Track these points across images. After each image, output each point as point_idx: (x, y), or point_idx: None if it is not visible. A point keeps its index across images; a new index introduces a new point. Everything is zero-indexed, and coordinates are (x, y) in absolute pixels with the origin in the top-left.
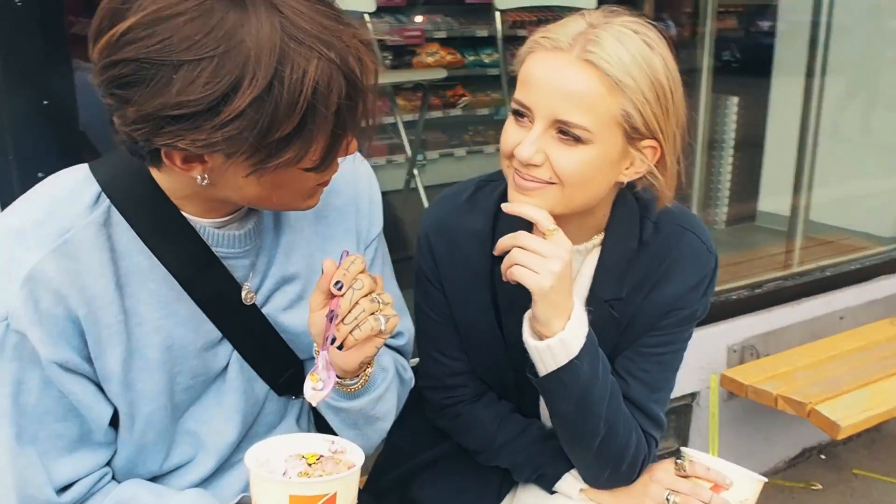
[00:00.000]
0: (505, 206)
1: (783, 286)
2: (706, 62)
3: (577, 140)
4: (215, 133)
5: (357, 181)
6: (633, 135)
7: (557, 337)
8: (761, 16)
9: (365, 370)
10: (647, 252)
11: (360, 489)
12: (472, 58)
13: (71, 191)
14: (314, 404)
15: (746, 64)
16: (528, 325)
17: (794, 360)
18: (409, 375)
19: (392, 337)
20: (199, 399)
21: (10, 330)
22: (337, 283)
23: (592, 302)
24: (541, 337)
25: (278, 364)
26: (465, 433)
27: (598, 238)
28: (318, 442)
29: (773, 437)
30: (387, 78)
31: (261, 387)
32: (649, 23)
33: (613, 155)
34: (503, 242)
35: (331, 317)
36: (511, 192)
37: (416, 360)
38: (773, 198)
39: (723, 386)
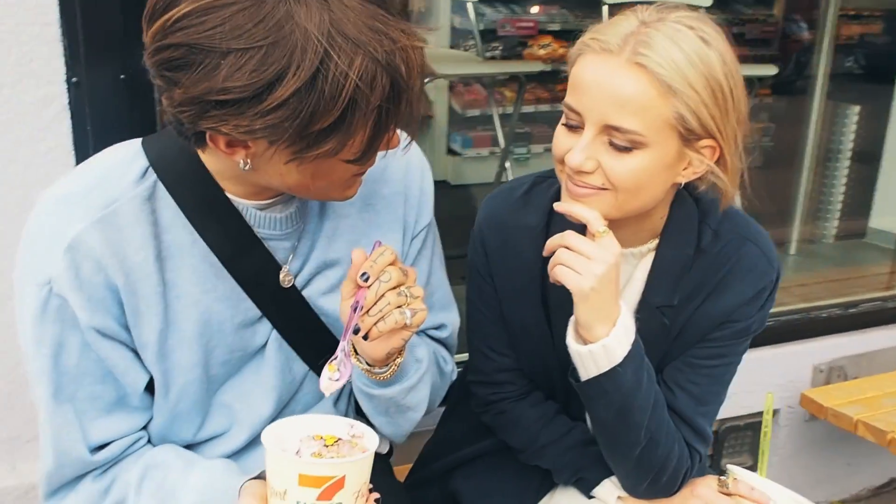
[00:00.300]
0: (556, 206)
1: (883, 307)
2: (822, 68)
3: (630, 146)
4: (257, 120)
5: (408, 171)
6: (689, 137)
7: (601, 343)
8: (890, 21)
9: (394, 360)
10: (704, 259)
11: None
12: None
13: (120, 164)
14: (327, 395)
15: (871, 71)
16: (573, 327)
17: (883, 386)
18: (450, 368)
19: (435, 329)
20: (237, 374)
21: (52, 294)
22: (363, 274)
23: (643, 308)
24: (585, 341)
25: (318, 346)
26: (509, 431)
27: (654, 242)
28: (338, 425)
29: (856, 464)
30: (483, 69)
31: (300, 367)
32: (706, 17)
33: (668, 158)
34: (551, 242)
35: (355, 307)
36: (564, 198)
37: (466, 354)
38: (886, 215)
39: (803, 406)
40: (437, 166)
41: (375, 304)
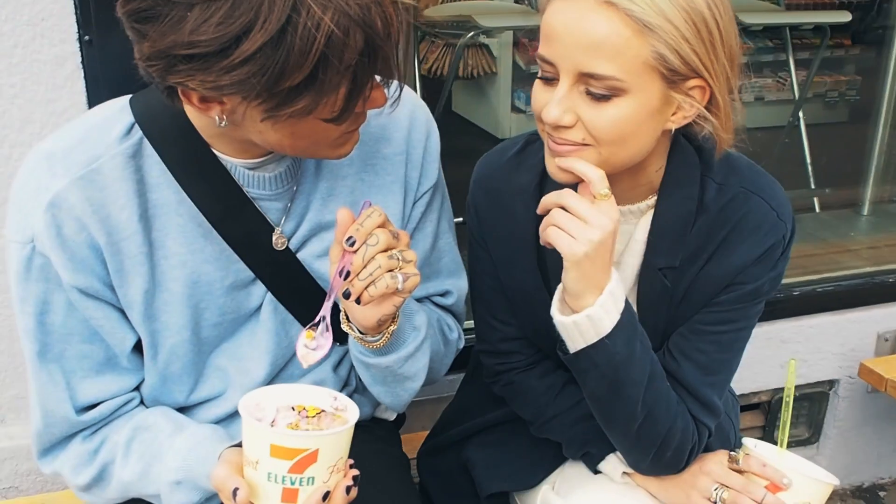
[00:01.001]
0: (558, 162)
1: None
2: None
3: (609, 94)
4: (224, 76)
5: (412, 130)
6: (673, 78)
7: (585, 313)
8: None
9: (387, 327)
10: (708, 216)
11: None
12: None
13: (105, 120)
14: (304, 365)
15: None
16: (559, 296)
17: None
18: (456, 335)
19: (440, 295)
20: (232, 336)
21: (35, 252)
22: (349, 238)
23: (645, 270)
24: (572, 311)
25: (316, 310)
26: (518, 402)
27: (653, 198)
28: (321, 396)
29: None
30: (783, 18)
31: (297, 330)
32: None
33: (653, 103)
34: (547, 200)
35: (342, 272)
36: (546, 159)
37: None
38: None
39: (861, 377)
40: (502, 123)
41: (365, 267)
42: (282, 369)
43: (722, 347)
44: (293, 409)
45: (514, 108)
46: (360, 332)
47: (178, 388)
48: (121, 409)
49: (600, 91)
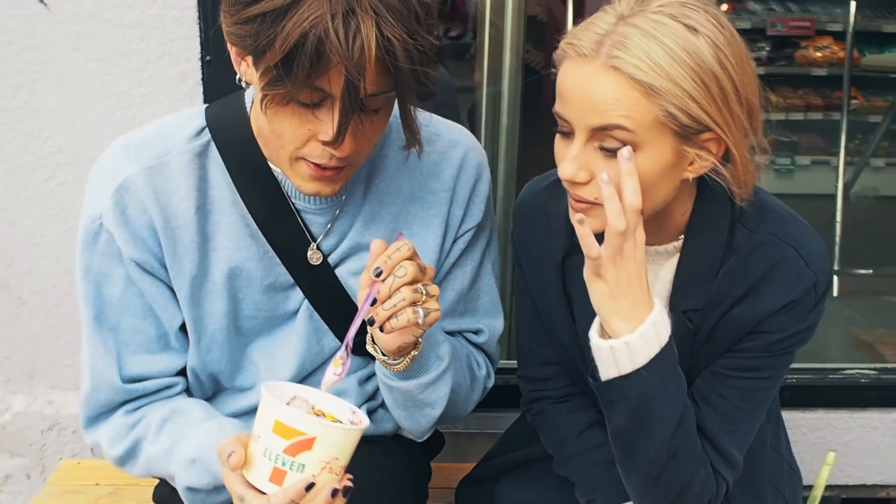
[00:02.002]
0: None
1: None
2: None
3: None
4: (233, 25)
5: (462, 171)
6: (685, 133)
7: (624, 339)
8: None
9: (408, 353)
10: (736, 260)
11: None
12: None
13: (180, 121)
14: (324, 389)
15: None
16: (598, 320)
17: None
18: (484, 373)
19: (473, 332)
20: (268, 334)
21: (102, 228)
22: (376, 268)
23: (671, 313)
24: (609, 337)
25: (349, 323)
26: (545, 434)
27: (681, 241)
28: (342, 408)
29: None
30: None
31: (330, 340)
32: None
33: (666, 158)
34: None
35: (368, 299)
36: (570, 212)
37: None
38: None
39: None
40: None
41: (390, 297)
42: (308, 375)
43: (743, 395)
44: (312, 408)
45: None
46: (383, 355)
47: (215, 374)
48: (164, 392)
49: (613, 146)
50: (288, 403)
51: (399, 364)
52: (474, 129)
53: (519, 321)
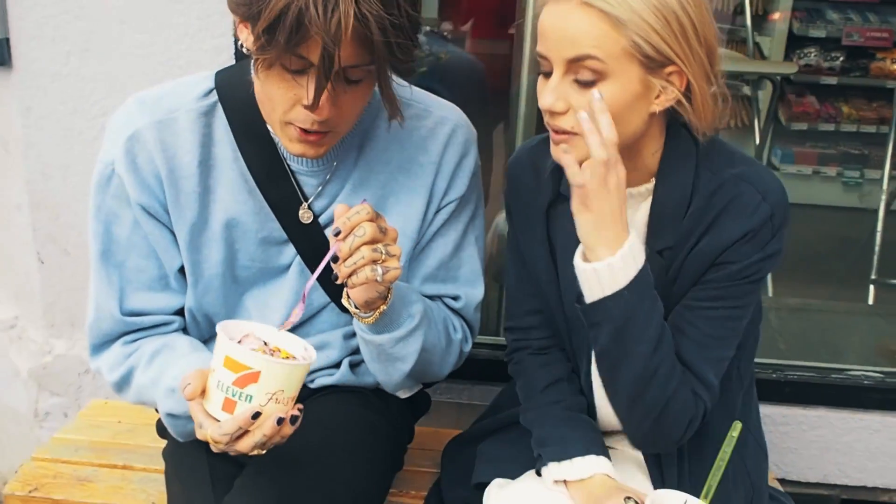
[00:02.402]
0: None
1: None
2: None
3: (594, 79)
4: None
5: (449, 146)
6: (650, 64)
7: (606, 261)
8: None
9: (378, 308)
10: (700, 200)
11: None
12: None
13: (191, 82)
14: (280, 330)
15: None
16: (581, 249)
17: None
18: (460, 336)
19: (452, 299)
20: (262, 285)
21: (114, 173)
22: (335, 228)
23: (647, 253)
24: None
25: (340, 284)
26: (519, 384)
27: (652, 183)
28: (296, 345)
29: None
30: (727, 65)
31: (319, 296)
32: None
33: (634, 86)
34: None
35: (330, 257)
36: (551, 147)
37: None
38: None
39: None
40: None
41: (350, 256)
42: (295, 327)
43: (713, 324)
44: (265, 344)
45: (769, 165)
46: (356, 308)
47: (210, 317)
48: (160, 328)
49: (587, 77)
50: (240, 341)
51: (370, 317)
52: (512, 115)
53: (508, 274)
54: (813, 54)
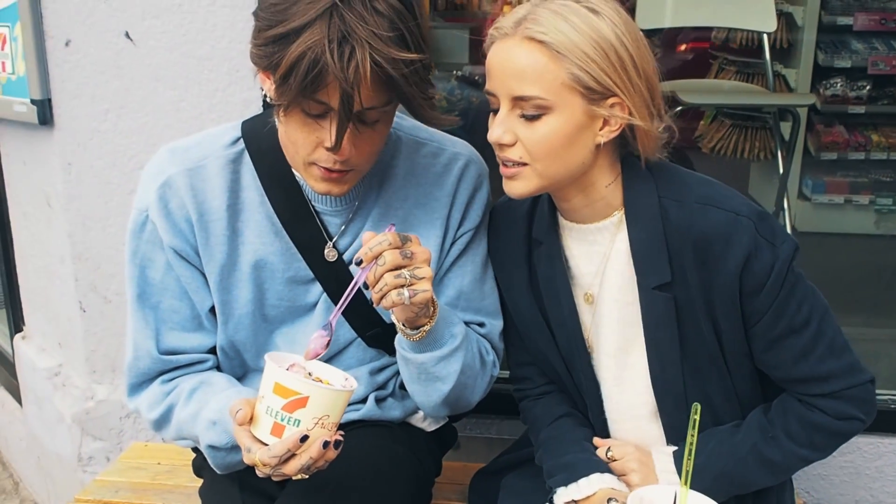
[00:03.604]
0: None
1: None
2: None
3: (539, 113)
4: (255, 48)
5: (463, 180)
6: (591, 95)
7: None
8: None
9: (423, 327)
10: (675, 234)
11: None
12: None
13: (220, 132)
14: (306, 359)
15: None
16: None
17: None
18: (491, 358)
19: (477, 325)
20: (291, 323)
21: (148, 219)
22: (357, 257)
23: (642, 293)
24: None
25: (364, 317)
26: (528, 427)
27: (619, 213)
28: (336, 376)
29: None
30: (746, 99)
31: (346, 332)
32: None
33: (577, 118)
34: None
35: (354, 288)
36: (503, 183)
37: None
38: None
39: None
40: (787, 209)
41: (377, 283)
42: (327, 361)
43: (799, 333)
44: (310, 375)
45: (801, 195)
46: (403, 326)
47: (242, 354)
48: (196, 366)
49: (531, 112)
50: (287, 369)
51: (416, 334)
52: None
53: (504, 326)
54: (839, 84)
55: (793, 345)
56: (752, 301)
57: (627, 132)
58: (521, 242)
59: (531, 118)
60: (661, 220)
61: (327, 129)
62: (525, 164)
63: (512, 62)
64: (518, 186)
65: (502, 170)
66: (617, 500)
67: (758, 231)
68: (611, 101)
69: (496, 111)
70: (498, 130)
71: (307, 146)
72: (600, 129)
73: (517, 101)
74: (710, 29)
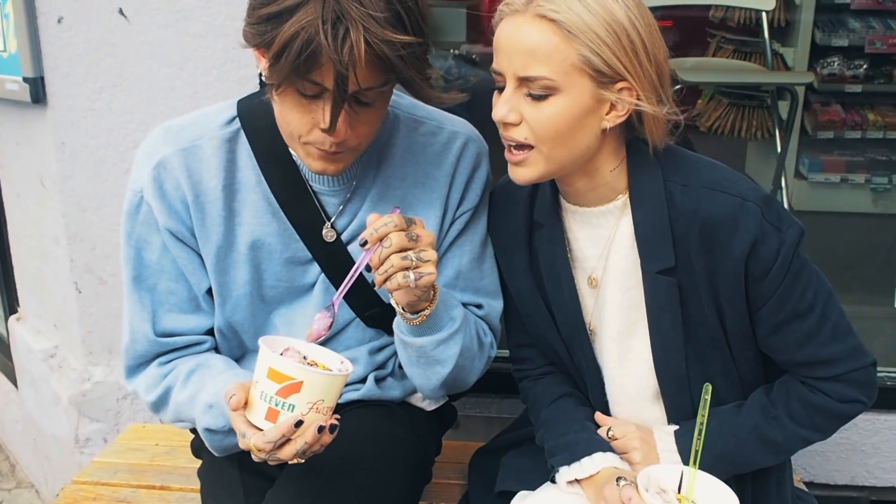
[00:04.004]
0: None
1: None
2: None
3: (546, 94)
4: (248, 27)
5: (462, 160)
6: (600, 79)
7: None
8: None
9: (423, 311)
10: (682, 215)
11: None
12: None
13: (215, 111)
14: (308, 341)
15: None
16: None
17: None
18: (489, 340)
19: (475, 306)
20: (290, 304)
21: (143, 200)
22: (363, 238)
23: (646, 277)
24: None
25: (363, 298)
26: (528, 407)
27: (624, 197)
28: (332, 359)
29: None
30: (744, 77)
31: (345, 312)
32: None
33: (585, 101)
34: None
35: (358, 270)
36: (509, 168)
37: None
38: None
39: None
40: (784, 188)
41: (382, 265)
42: (324, 342)
43: (803, 318)
44: (304, 359)
45: (798, 174)
46: (403, 310)
47: (240, 335)
48: (193, 347)
49: (538, 92)
50: (282, 354)
51: (417, 318)
52: None
53: (504, 309)
54: (836, 63)
55: (797, 329)
56: (757, 286)
57: (634, 117)
58: (523, 225)
59: (538, 98)
60: (666, 204)
61: (322, 110)
62: (530, 148)
63: (522, 40)
64: (525, 173)
65: (508, 156)
66: (626, 479)
67: (764, 216)
68: (619, 85)
69: (501, 89)
70: (503, 109)
71: (302, 127)
72: (607, 114)
73: (524, 80)
74: (708, 7)
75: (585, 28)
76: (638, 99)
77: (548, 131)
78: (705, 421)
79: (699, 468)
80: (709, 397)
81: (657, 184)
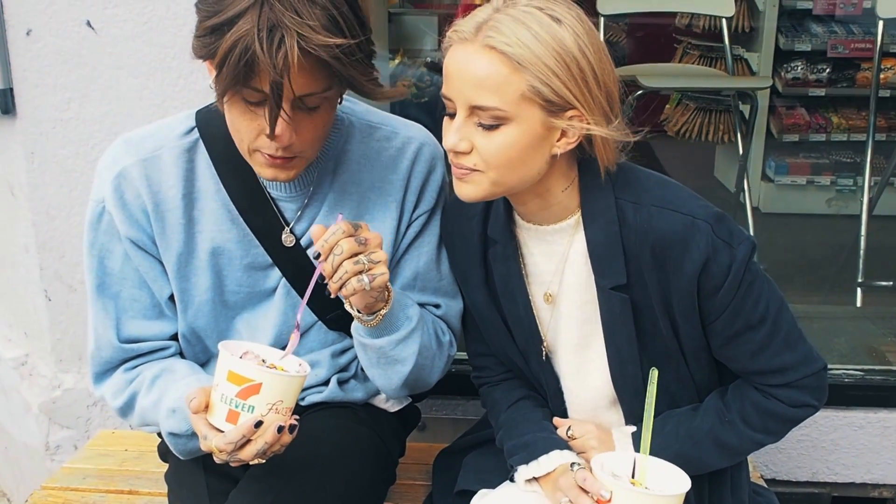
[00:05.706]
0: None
1: None
2: None
3: (496, 123)
4: (195, 39)
5: (416, 163)
6: (550, 108)
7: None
8: None
9: (379, 311)
10: (633, 233)
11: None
12: None
13: (174, 121)
14: (279, 360)
15: None
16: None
17: None
18: (448, 339)
19: (433, 306)
20: (252, 309)
21: (104, 210)
22: (315, 252)
23: (600, 294)
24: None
25: (324, 301)
26: (488, 411)
27: (577, 215)
28: (292, 363)
29: None
30: (703, 82)
31: (307, 315)
32: None
33: (536, 129)
34: None
35: (314, 282)
36: (454, 184)
37: None
38: None
39: None
40: (751, 191)
41: (335, 272)
42: (285, 346)
43: (756, 329)
44: (263, 362)
45: (765, 177)
46: (359, 313)
47: (203, 340)
48: (158, 353)
49: (488, 122)
50: (241, 357)
51: (373, 320)
52: None
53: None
54: (800, 68)
55: (750, 339)
56: (709, 300)
57: (584, 140)
58: (477, 240)
59: (488, 128)
60: (617, 222)
61: (263, 116)
62: (479, 171)
63: (471, 70)
64: (469, 190)
65: (455, 171)
66: (580, 464)
67: (715, 233)
68: (570, 113)
69: (452, 115)
70: (454, 138)
71: (250, 134)
72: (557, 141)
73: (475, 109)
74: (673, 14)
75: (535, 59)
76: (588, 125)
77: (499, 160)
78: (653, 403)
79: (651, 455)
80: (655, 382)
81: (608, 202)
